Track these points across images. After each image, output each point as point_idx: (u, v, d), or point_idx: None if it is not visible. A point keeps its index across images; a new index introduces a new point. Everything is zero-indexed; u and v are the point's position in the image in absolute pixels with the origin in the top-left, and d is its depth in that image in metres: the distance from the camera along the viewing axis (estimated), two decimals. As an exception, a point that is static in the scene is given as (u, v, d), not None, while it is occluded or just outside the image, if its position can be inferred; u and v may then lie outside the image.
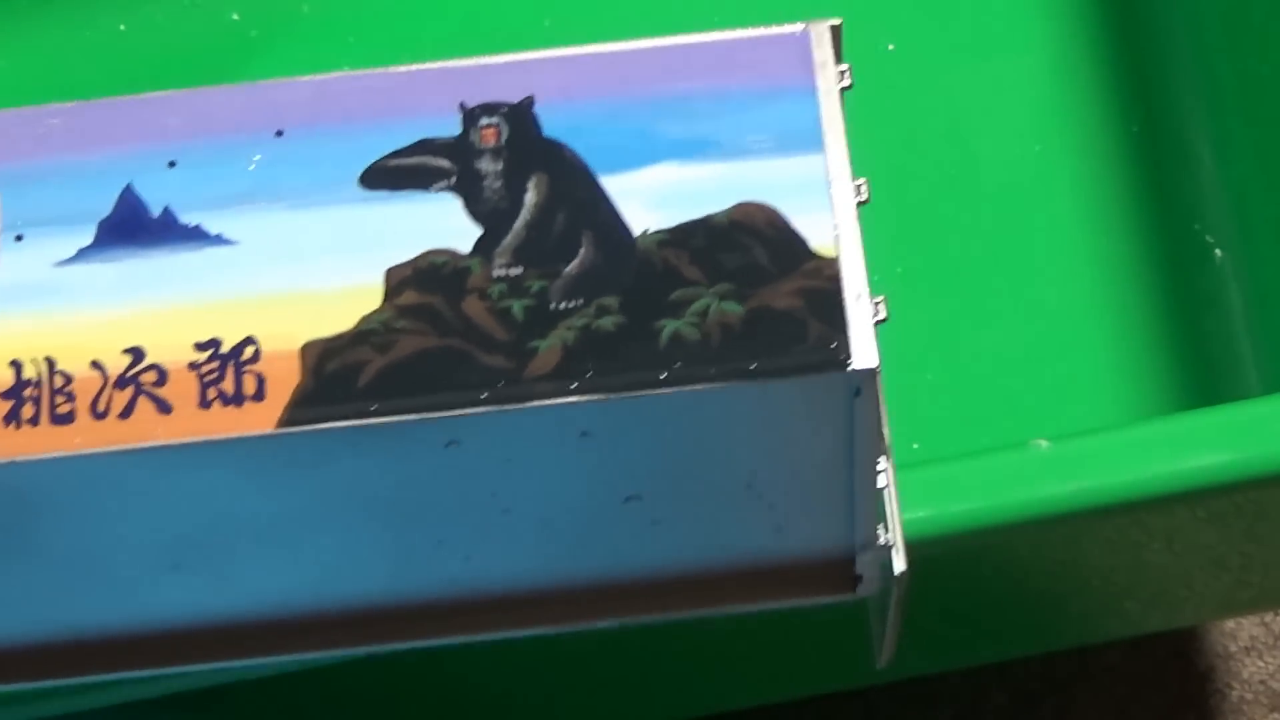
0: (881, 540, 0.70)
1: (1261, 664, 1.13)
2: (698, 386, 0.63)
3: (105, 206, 0.68)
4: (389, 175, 0.68)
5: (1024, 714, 1.11)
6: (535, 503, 0.67)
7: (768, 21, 0.70)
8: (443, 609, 0.70)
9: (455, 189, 0.68)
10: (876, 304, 0.65)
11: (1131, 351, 1.05)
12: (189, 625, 0.70)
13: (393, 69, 0.70)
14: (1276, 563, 0.94)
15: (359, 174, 0.68)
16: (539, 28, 1.18)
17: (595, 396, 0.63)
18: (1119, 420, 1.03)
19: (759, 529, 0.69)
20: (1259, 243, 1.06)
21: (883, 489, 0.68)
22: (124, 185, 0.68)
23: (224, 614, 0.70)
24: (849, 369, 0.63)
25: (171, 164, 0.68)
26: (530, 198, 0.67)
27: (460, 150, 0.68)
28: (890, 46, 1.14)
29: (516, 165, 0.68)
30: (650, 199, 0.67)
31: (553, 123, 0.68)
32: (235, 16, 1.21)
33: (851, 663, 0.97)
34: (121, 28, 1.21)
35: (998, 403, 1.05)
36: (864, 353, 0.64)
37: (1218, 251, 1.07)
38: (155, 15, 1.21)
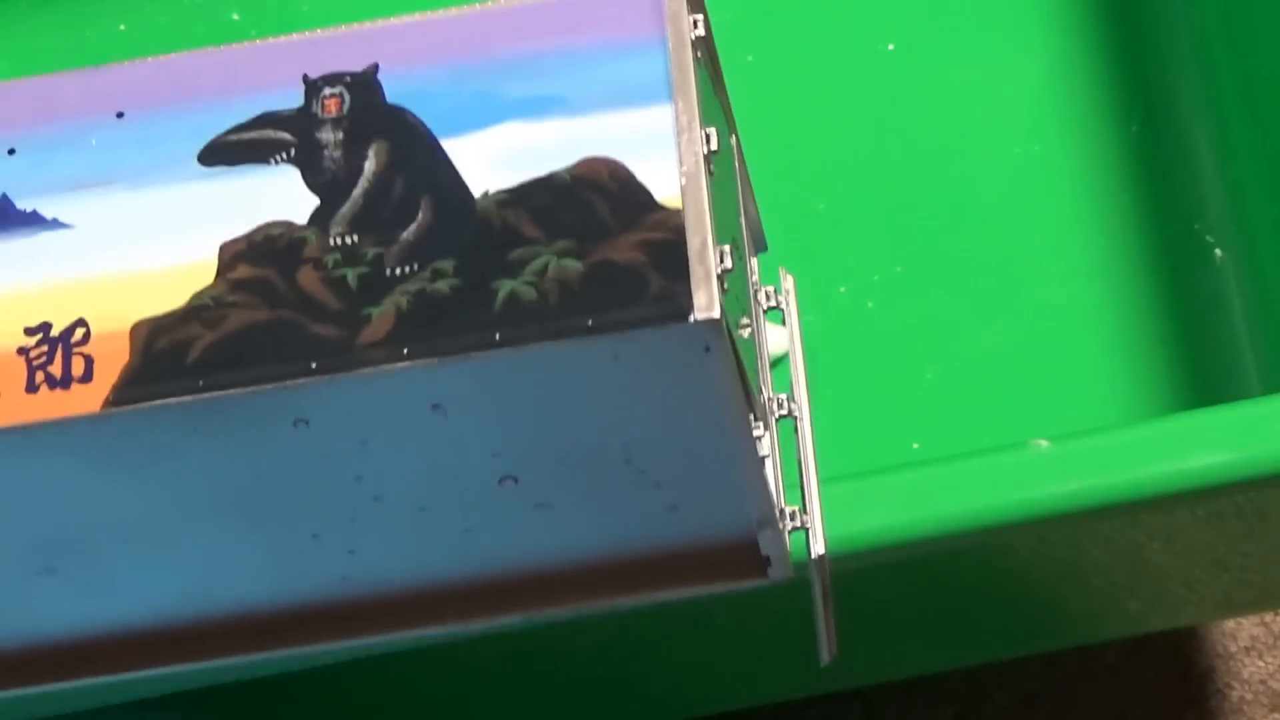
0: (791, 520, 0.69)
1: (1261, 664, 1.13)
2: (532, 346, 0.61)
3: None
4: (228, 150, 0.67)
5: (1024, 714, 1.11)
6: (404, 486, 0.66)
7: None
8: (345, 610, 0.69)
9: (295, 160, 0.66)
10: (722, 253, 0.62)
11: (1131, 351, 1.05)
12: (80, 637, 0.69)
13: (237, 45, 0.69)
14: (1276, 563, 0.94)
15: (199, 151, 0.67)
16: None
17: (427, 361, 0.62)
18: (1119, 420, 1.03)
19: (652, 510, 0.67)
20: (1259, 243, 1.06)
21: (765, 457, 0.67)
22: None
23: (111, 624, 0.69)
24: (690, 321, 0.61)
25: (11, 151, 0.68)
26: (370, 165, 0.66)
27: (302, 122, 0.67)
28: (890, 46, 1.14)
29: (358, 134, 0.67)
30: (493, 159, 0.65)
31: (397, 90, 0.67)
32: (235, 16, 1.21)
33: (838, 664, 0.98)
34: (121, 28, 1.21)
35: (998, 403, 1.05)
36: (706, 304, 0.61)
37: (1218, 251, 1.07)
38: (155, 15, 1.21)
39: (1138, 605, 0.97)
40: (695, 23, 0.66)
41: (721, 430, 0.64)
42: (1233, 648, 1.13)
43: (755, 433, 0.66)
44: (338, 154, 0.66)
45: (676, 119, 0.64)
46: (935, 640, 0.98)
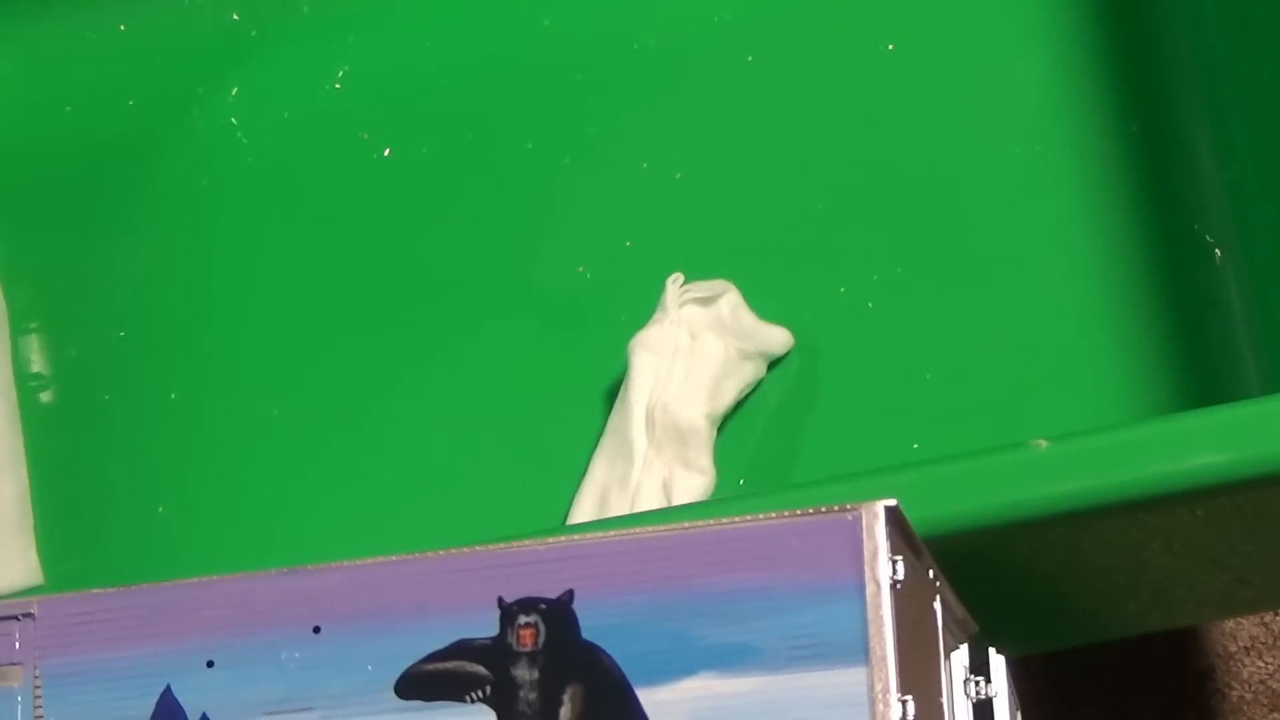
0: None
1: (1261, 664, 1.13)
2: None
3: (144, 711, 0.67)
4: (424, 683, 0.66)
5: (1024, 714, 1.11)
6: None
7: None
8: None
9: (490, 701, 0.66)
10: None
11: (1131, 351, 1.05)
12: None
13: (429, 555, 0.68)
14: (1276, 563, 0.94)
15: (395, 680, 0.66)
16: (538, 27, 1.18)
17: None
18: (1119, 420, 1.03)
19: None
20: (1259, 243, 1.06)
21: None
22: (163, 687, 0.67)
23: None
24: None
25: (210, 663, 0.67)
26: (565, 713, 0.65)
27: (497, 654, 0.66)
28: (890, 46, 1.14)
29: (553, 673, 0.66)
30: (687, 716, 0.64)
31: (593, 623, 0.66)
32: (235, 16, 1.21)
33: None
34: (121, 28, 1.21)
35: (998, 403, 1.05)
36: None
37: (1218, 251, 1.07)
38: (155, 15, 1.21)
39: (1138, 605, 0.97)
40: (895, 565, 0.65)
41: None
42: (1233, 648, 1.13)
43: None
44: (533, 696, 0.66)
45: (871, 687, 0.63)
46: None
